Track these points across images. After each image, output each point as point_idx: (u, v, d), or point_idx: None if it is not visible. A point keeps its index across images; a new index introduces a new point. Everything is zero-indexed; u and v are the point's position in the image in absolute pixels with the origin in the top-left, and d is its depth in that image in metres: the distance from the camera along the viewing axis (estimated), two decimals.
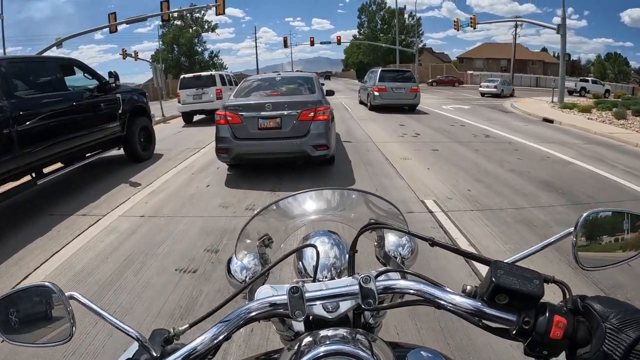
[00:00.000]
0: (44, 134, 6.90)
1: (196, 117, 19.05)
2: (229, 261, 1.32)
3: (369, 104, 21.52)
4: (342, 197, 1.46)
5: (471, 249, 4.85)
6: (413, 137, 12.88)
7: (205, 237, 5.32)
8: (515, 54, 65.05)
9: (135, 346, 0.91)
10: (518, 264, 0.89)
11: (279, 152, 7.78)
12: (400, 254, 1.30)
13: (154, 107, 20.62)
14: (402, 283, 0.94)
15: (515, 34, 63.95)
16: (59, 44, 29.08)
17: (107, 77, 9.09)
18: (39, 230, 5.85)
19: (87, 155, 8.55)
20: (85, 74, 8.92)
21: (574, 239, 0.94)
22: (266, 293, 1.02)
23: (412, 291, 0.92)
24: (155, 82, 21.78)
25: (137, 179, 8.53)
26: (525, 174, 8.33)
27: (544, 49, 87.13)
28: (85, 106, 8.09)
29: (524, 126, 15.89)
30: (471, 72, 70.15)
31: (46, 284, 0.93)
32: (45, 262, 4.89)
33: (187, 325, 0.95)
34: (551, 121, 17.35)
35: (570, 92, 33.53)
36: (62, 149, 7.40)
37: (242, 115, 7.77)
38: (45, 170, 7.33)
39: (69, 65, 8.59)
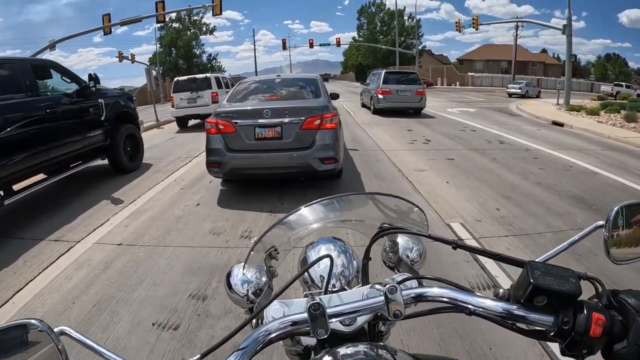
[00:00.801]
0: (9, 146, 6.03)
1: (191, 122, 18.19)
2: (229, 274, 1.26)
3: (372, 107, 20.67)
4: (350, 203, 1.39)
5: None
6: (424, 145, 12.02)
7: (190, 277, 4.39)
8: (516, 55, 64.76)
9: None
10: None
11: (280, 167, 6.78)
12: (408, 256, 1.27)
13: (148, 112, 20.10)
14: (434, 291, 0.89)
15: (516, 35, 63.70)
16: (52, 47, 28.71)
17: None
18: (6, 258, 5.11)
19: (71, 166, 7.74)
20: (63, 77, 7.99)
21: (606, 233, 0.93)
22: (276, 311, 0.98)
23: (445, 299, 0.88)
24: (149, 86, 20.92)
25: (120, 194, 7.64)
26: (553, 187, 7.55)
27: (544, 50, 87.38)
28: (61, 113, 7.20)
29: (537, 130, 15.17)
30: (472, 74, 70.05)
31: (32, 321, 0.84)
32: (4, 304, 4.10)
33: (198, 356, 0.86)
34: (561, 125, 16.74)
35: (604, 97, 33.98)
36: (32, 163, 6.54)
37: (236, 123, 6.76)
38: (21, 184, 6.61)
39: (44, 67, 7.67)
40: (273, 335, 0.85)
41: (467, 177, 8.20)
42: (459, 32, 40.85)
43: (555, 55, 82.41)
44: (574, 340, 0.78)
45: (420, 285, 1.01)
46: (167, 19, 45.53)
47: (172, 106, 17.63)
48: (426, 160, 9.85)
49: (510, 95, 36.96)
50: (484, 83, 66.59)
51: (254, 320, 1.04)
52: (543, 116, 19.22)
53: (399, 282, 0.94)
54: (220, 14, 30.46)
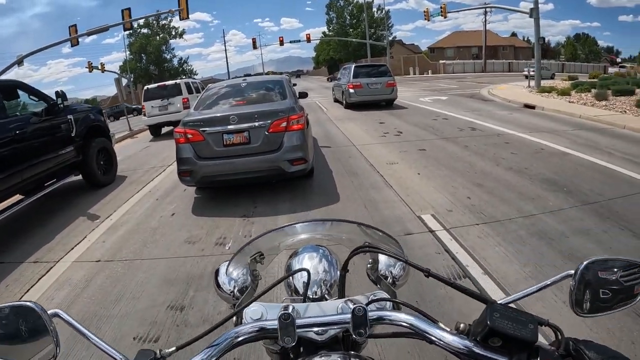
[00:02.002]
0: None
1: (165, 129, 18.08)
2: (217, 272, 1.31)
3: (344, 102, 20.69)
4: (337, 225, 1.40)
5: (486, 278, 4.16)
6: (396, 136, 12.08)
7: (168, 289, 4.42)
8: (486, 40, 65.25)
9: None
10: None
11: (250, 171, 6.78)
12: (391, 273, 1.30)
13: (121, 122, 19.97)
14: (396, 315, 0.94)
15: (485, 20, 64.21)
16: (19, 62, 28.16)
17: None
18: None
19: (46, 184, 7.65)
20: (31, 96, 7.92)
21: (573, 283, 0.96)
22: (255, 312, 1.02)
23: (405, 324, 0.92)
24: (120, 96, 20.75)
25: (96, 209, 7.60)
26: (525, 171, 7.66)
27: (514, 34, 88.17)
28: (31, 133, 7.11)
29: (508, 115, 15.29)
30: (443, 61, 70.36)
31: (28, 304, 0.92)
32: None
33: (174, 348, 0.94)
34: (533, 107, 16.91)
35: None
36: (7, 185, 6.52)
37: (204, 131, 6.77)
38: None
39: (10, 88, 7.57)
40: (241, 338, 0.90)
41: (439, 167, 8.27)
42: (428, 20, 40.85)
43: (526, 38, 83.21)
44: None
45: (392, 307, 1.04)
46: (135, 25, 45.08)
47: (144, 115, 17.53)
48: (398, 152, 9.91)
49: (527, 77, 38.15)
50: (455, 70, 66.99)
51: (235, 318, 1.09)
52: (515, 100, 19.34)
53: (371, 302, 1.00)
54: (188, 18, 30.15)
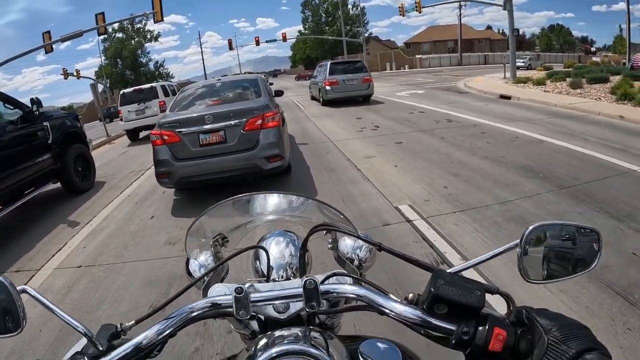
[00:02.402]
0: None
1: (142, 134, 17.89)
2: (187, 262, 1.33)
3: (321, 99, 20.75)
4: (297, 202, 1.49)
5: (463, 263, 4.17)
6: (373, 131, 12.18)
7: (150, 290, 4.44)
8: (462, 34, 65.70)
9: (83, 341, 0.94)
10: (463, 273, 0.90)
11: (227, 170, 6.79)
12: (357, 255, 1.31)
13: (98, 128, 19.82)
14: (345, 288, 0.96)
15: (460, 14, 64.66)
16: None
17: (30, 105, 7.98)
18: None
19: (25, 193, 7.56)
20: (6, 105, 7.83)
21: (519, 250, 0.93)
22: (218, 291, 1.03)
23: (354, 296, 0.94)
24: (96, 102, 20.58)
25: (76, 216, 7.56)
26: (500, 159, 7.80)
27: (489, 27, 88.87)
28: (7, 141, 7.04)
29: (484, 106, 15.47)
30: (419, 56, 70.70)
31: None
32: None
33: (133, 322, 0.98)
34: (509, 97, 17.13)
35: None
36: None
37: (180, 132, 6.78)
38: None
39: None
40: (196, 312, 0.93)
41: (416, 159, 8.37)
42: (403, 16, 41.09)
43: (501, 31, 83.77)
44: (473, 352, 0.81)
45: (350, 284, 1.03)
46: (109, 30, 44.74)
47: (121, 120, 17.41)
48: (375, 146, 10.01)
49: (518, 68, 37.86)
50: (432, 64, 67.36)
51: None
52: (491, 91, 19.54)
53: (326, 278, 1.00)
54: (162, 20, 29.96)
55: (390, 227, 5.25)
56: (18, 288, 0.95)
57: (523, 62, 42.75)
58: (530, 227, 0.94)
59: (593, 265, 0.97)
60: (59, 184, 8.81)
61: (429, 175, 7.26)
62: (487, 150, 8.56)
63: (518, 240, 0.94)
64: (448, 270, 0.91)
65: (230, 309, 0.92)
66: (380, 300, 0.91)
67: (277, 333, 0.88)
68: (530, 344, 0.79)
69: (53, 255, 5.90)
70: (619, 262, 3.92)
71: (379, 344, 0.91)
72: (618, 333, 3.02)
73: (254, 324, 1.14)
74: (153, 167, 7.36)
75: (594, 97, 14.62)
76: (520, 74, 26.10)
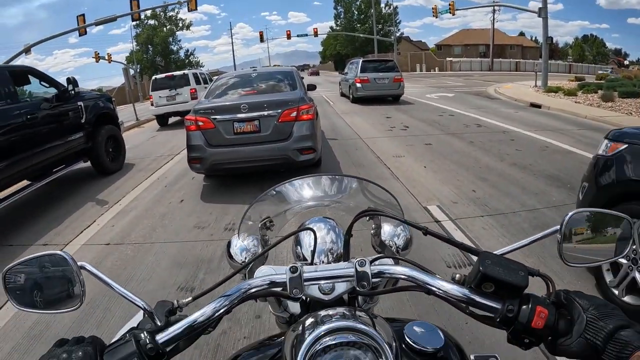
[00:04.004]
0: None
1: (171, 120, 18.13)
2: (229, 244, 1.36)
3: (351, 96, 20.68)
4: (340, 184, 1.53)
5: None
6: (402, 131, 12.12)
7: (178, 271, 4.51)
8: (494, 39, 65.06)
9: (140, 316, 0.96)
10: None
11: (259, 159, 6.86)
12: (395, 243, 1.34)
13: (128, 111, 20.04)
14: (395, 268, 0.98)
15: (494, 19, 64.00)
16: (27, 51, 28.28)
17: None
18: None
19: (54, 170, 7.68)
20: (42, 82, 7.95)
21: (559, 236, 0.98)
22: (265, 272, 1.04)
23: (404, 276, 0.96)
24: (127, 86, 20.82)
25: (104, 195, 7.67)
26: (529, 167, 7.69)
27: (522, 34, 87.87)
28: (41, 119, 7.13)
29: (514, 113, 15.26)
30: (450, 59, 70.14)
31: (59, 252, 0.97)
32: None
33: (190, 298, 1.00)
34: (539, 106, 16.82)
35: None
36: (15, 170, 6.52)
37: (215, 119, 6.85)
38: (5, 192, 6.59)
39: (21, 73, 7.62)
40: (254, 290, 0.94)
41: (444, 161, 8.33)
42: (436, 17, 40.80)
43: (533, 38, 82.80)
44: (517, 329, 0.85)
45: (397, 265, 1.04)
46: (142, 16, 45.08)
47: (152, 104, 17.58)
48: (404, 146, 9.97)
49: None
50: (462, 68, 66.79)
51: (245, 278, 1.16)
52: (521, 98, 19.23)
53: (374, 260, 1.01)
54: (196, 9, 30.26)
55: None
56: (79, 264, 0.96)
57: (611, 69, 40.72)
58: (570, 213, 0.98)
59: (626, 250, 1.03)
60: (89, 164, 8.92)
61: (457, 177, 7.22)
62: (515, 157, 8.46)
63: (558, 226, 0.98)
64: (496, 252, 0.94)
65: (285, 288, 0.94)
66: (428, 279, 0.93)
67: (323, 312, 0.88)
68: (569, 322, 0.83)
69: (81, 232, 6.01)
70: None
71: (423, 327, 0.97)
72: None
73: (294, 307, 1.18)
74: (182, 152, 7.43)
75: (625, 112, 14.36)
76: (557, 82, 25.72)
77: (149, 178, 8.69)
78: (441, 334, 0.96)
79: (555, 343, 0.84)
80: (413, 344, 0.92)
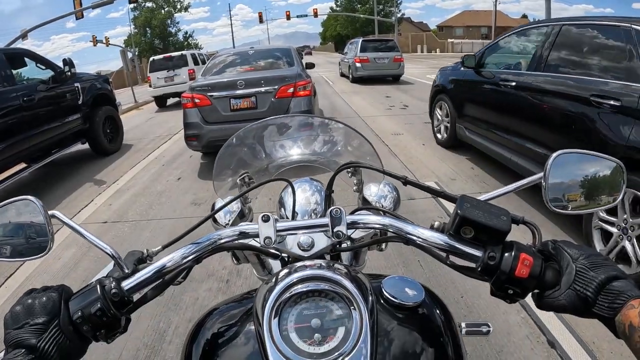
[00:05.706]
0: None
1: (170, 101, 18.06)
2: (212, 207, 1.30)
3: (350, 76, 20.54)
4: (323, 131, 1.57)
5: None
6: (401, 110, 12.06)
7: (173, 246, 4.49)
8: (496, 21, 64.59)
9: (111, 265, 0.94)
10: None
11: None
12: (382, 205, 1.28)
13: (126, 94, 19.97)
14: (370, 217, 0.94)
15: (496, 0, 63.42)
16: (24, 36, 28.08)
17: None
18: None
19: (52, 152, 7.68)
20: (38, 64, 7.91)
21: (544, 182, 0.91)
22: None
23: (379, 225, 0.92)
24: (125, 68, 20.71)
25: (102, 175, 7.66)
26: None
27: (524, 16, 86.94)
28: (38, 101, 7.08)
29: None
30: (452, 40, 69.59)
31: (29, 197, 0.97)
32: None
33: (160, 247, 1.00)
34: None
35: None
36: (12, 153, 6.50)
37: (211, 96, 6.81)
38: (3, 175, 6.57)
39: (18, 56, 7.58)
40: (224, 240, 0.91)
41: None
42: None
43: (536, 21, 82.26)
44: (500, 279, 0.79)
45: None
46: None
47: (150, 86, 17.51)
48: (403, 124, 9.95)
49: None
50: (464, 49, 65.99)
51: None
52: None
53: (354, 210, 1.01)
54: None
55: (416, 201, 5.21)
56: (49, 213, 0.97)
57: None
58: (554, 155, 0.92)
59: (619, 197, 0.95)
60: (87, 145, 8.91)
61: (456, 156, 7.19)
62: None
63: (542, 173, 0.92)
64: (479, 198, 0.90)
65: (256, 236, 0.90)
66: (405, 227, 0.90)
67: (299, 264, 0.86)
68: (557, 273, 0.78)
69: (79, 211, 6.01)
70: None
71: (403, 281, 0.94)
72: None
73: (277, 266, 1.16)
74: (180, 132, 7.40)
75: None
76: None
77: (147, 158, 8.68)
78: (422, 288, 0.94)
79: (542, 296, 0.79)
80: (392, 298, 0.90)
